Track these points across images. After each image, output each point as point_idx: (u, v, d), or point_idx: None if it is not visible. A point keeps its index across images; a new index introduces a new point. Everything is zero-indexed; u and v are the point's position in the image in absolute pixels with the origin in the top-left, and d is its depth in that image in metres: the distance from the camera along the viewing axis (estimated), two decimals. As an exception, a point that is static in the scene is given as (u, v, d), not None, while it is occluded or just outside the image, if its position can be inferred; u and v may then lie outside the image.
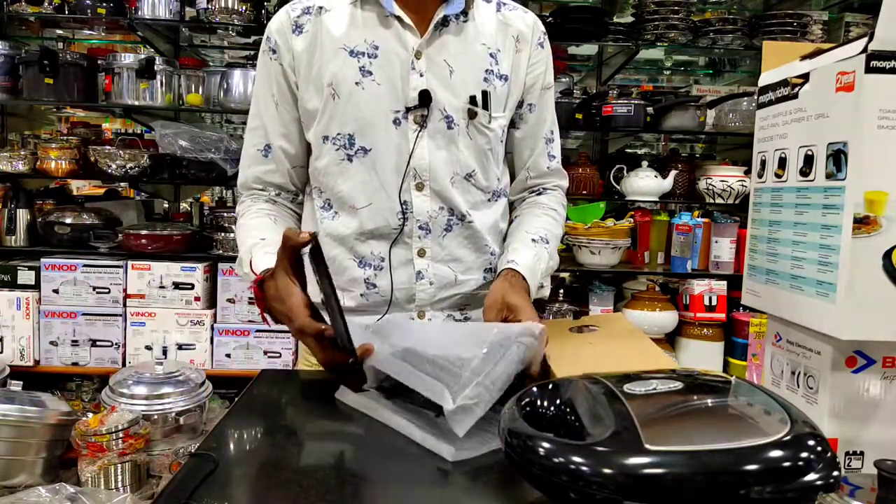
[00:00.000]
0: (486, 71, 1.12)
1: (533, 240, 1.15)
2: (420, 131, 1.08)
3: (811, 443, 0.58)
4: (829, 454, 0.58)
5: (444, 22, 1.09)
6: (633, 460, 0.57)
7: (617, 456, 0.58)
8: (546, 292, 1.14)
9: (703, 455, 0.57)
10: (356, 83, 1.07)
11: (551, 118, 1.25)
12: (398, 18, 1.08)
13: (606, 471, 0.57)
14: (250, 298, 2.63)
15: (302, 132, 1.15)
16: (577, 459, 0.58)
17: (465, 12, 1.11)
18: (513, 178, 1.27)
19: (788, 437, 0.58)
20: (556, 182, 1.28)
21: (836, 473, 0.57)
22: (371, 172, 1.09)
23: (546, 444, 0.61)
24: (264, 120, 1.14)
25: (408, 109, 1.08)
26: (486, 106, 1.11)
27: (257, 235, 1.08)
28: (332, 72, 1.08)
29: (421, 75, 1.08)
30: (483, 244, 1.16)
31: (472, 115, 1.10)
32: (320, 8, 1.10)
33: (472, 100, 1.10)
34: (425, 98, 1.07)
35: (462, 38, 1.11)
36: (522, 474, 0.64)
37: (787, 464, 0.56)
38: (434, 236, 1.12)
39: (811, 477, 0.56)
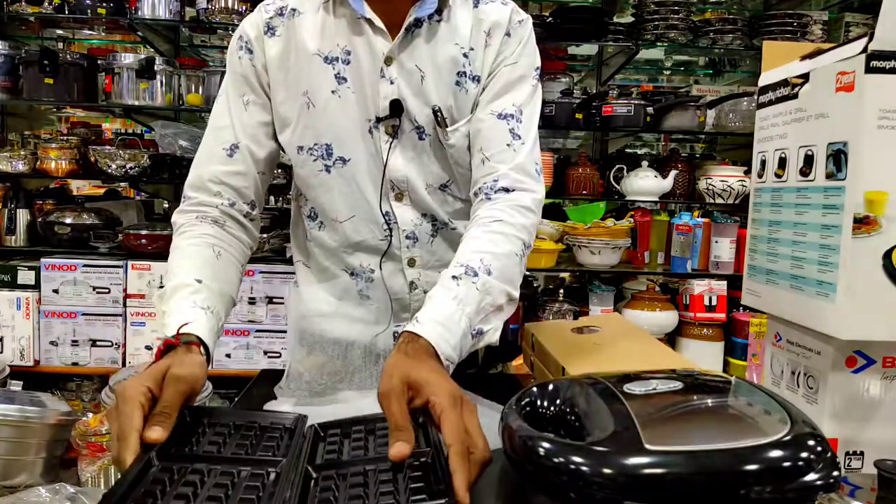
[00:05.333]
0: (459, 73, 1.05)
1: (454, 277, 0.89)
2: (392, 141, 1.04)
3: (811, 443, 0.58)
4: (829, 454, 0.58)
5: (417, 24, 1.03)
6: (634, 460, 0.57)
7: (617, 456, 0.58)
8: (495, 336, 0.92)
9: (703, 455, 0.57)
10: (332, 91, 1.03)
11: (514, 97, 1.06)
12: (369, 22, 1.01)
13: (606, 471, 0.57)
14: (250, 298, 2.63)
15: (269, 136, 1.08)
16: (577, 459, 0.58)
17: (439, 11, 1.04)
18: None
19: (788, 437, 0.58)
20: (514, 179, 1.01)
21: (836, 473, 0.57)
22: (351, 183, 1.06)
23: (546, 444, 0.61)
24: (233, 119, 1.05)
25: (378, 119, 1.03)
26: (441, 123, 1.04)
27: (192, 274, 0.92)
28: (307, 80, 1.03)
29: (392, 83, 1.02)
30: None
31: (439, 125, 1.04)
32: (293, 10, 1.04)
33: (436, 112, 1.03)
34: (396, 108, 1.02)
35: (434, 41, 1.04)
36: (522, 474, 0.64)
37: (787, 464, 0.56)
38: (422, 244, 1.09)
39: (811, 477, 0.56)
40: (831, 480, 0.56)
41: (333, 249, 1.11)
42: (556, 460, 0.59)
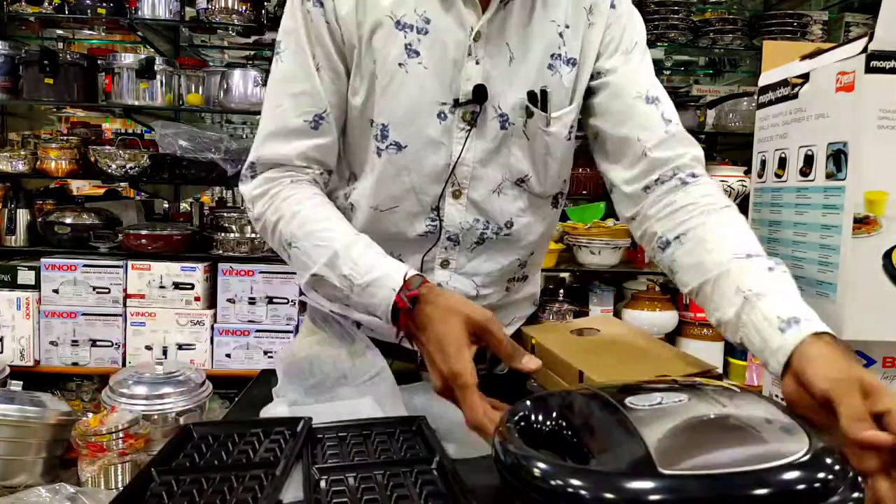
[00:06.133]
0: (553, 56, 0.94)
1: (770, 269, 0.75)
2: (471, 130, 0.92)
3: (831, 461, 0.55)
4: (851, 473, 0.54)
5: None
6: (649, 485, 0.52)
7: (630, 481, 0.53)
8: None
9: (724, 479, 0.53)
10: (399, 64, 0.90)
11: (648, 79, 0.96)
12: None
13: (618, 497, 0.53)
14: (250, 298, 2.63)
15: (345, 99, 0.96)
16: (586, 485, 0.54)
17: None
18: (616, 162, 0.99)
19: (809, 457, 0.54)
20: (691, 154, 0.92)
21: (856, 495, 0.53)
22: (401, 173, 0.94)
23: (547, 468, 0.56)
24: (314, 85, 0.92)
25: (457, 103, 0.91)
26: (544, 107, 0.94)
27: (347, 231, 0.89)
28: (375, 45, 0.90)
29: (477, 62, 0.91)
30: (516, 254, 1.03)
31: (530, 113, 0.94)
32: None
33: (531, 96, 0.93)
34: (480, 93, 0.90)
35: (529, 16, 0.92)
36: (520, 499, 0.59)
37: (811, 485, 0.52)
38: (462, 248, 0.99)
39: (835, 499, 0.52)
40: (852, 500, 0.54)
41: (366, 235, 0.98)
42: (559, 486, 0.55)
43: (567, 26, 0.94)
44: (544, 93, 0.93)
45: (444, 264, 1.00)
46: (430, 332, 0.78)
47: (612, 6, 0.97)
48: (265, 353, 2.65)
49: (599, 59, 0.97)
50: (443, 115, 0.92)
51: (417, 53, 0.90)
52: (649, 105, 0.93)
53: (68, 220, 2.70)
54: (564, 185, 1.04)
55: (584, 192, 2.84)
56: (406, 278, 0.82)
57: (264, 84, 2.56)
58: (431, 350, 0.78)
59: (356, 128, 0.97)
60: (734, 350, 2.72)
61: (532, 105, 0.93)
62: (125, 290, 2.62)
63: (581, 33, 0.95)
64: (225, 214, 2.77)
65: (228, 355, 2.65)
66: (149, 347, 2.63)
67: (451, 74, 0.91)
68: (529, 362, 0.77)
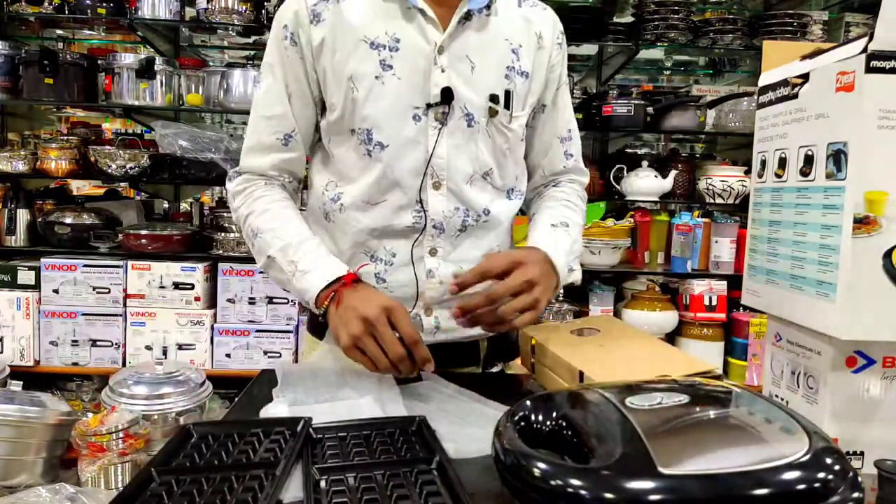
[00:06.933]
0: (508, 67, 1.11)
1: (552, 225, 1.16)
2: (441, 128, 1.07)
3: (831, 461, 0.55)
4: (851, 473, 0.55)
5: (468, 16, 1.08)
6: (648, 485, 0.53)
7: (631, 481, 0.54)
8: (577, 276, 1.22)
9: (723, 479, 0.53)
10: (376, 77, 1.05)
11: (567, 116, 1.24)
12: (421, 11, 1.05)
13: (617, 497, 0.53)
14: (250, 298, 2.63)
15: (314, 119, 1.14)
16: (586, 485, 0.54)
17: (488, 6, 1.10)
18: (529, 177, 1.26)
19: (808, 457, 0.55)
20: (572, 177, 1.27)
21: (856, 495, 0.54)
22: (387, 170, 1.08)
23: (547, 468, 0.57)
24: (285, 108, 1.11)
25: (428, 106, 1.06)
26: (507, 105, 1.10)
27: (303, 230, 1.08)
28: (352, 65, 1.05)
29: (443, 71, 1.06)
30: (496, 240, 1.16)
31: (492, 113, 1.09)
32: None
33: (493, 98, 1.09)
34: (447, 95, 1.05)
35: (485, 33, 1.10)
36: (520, 498, 0.59)
37: (811, 485, 0.53)
38: (447, 235, 1.11)
39: (835, 499, 0.53)
40: (851, 502, 0.53)
41: (357, 231, 1.11)
42: (558, 486, 0.55)
43: (520, 45, 1.13)
44: (508, 93, 1.11)
45: (433, 252, 1.12)
46: (351, 298, 0.97)
47: (559, 45, 1.20)
48: (265, 352, 2.65)
49: (543, 89, 1.19)
50: (417, 117, 1.07)
51: (391, 67, 1.06)
52: (562, 144, 1.24)
53: (68, 220, 2.70)
54: (517, 181, 1.20)
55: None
56: (343, 274, 1.01)
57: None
58: (355, 303, 0.95)
59: (339, 139, 1.11)
60: (734, 350, 2.73)
61: (495, 105, 1.09)
62: (125, 290, 2.63)
63: (532, 52, 1.15)
64: (225, 214, 2.77)
65: (228, 355, 2.65)
66: (149, 347, 2.63)
67: (422, 82, 1.06)
68: (427, 363, 0.95)
